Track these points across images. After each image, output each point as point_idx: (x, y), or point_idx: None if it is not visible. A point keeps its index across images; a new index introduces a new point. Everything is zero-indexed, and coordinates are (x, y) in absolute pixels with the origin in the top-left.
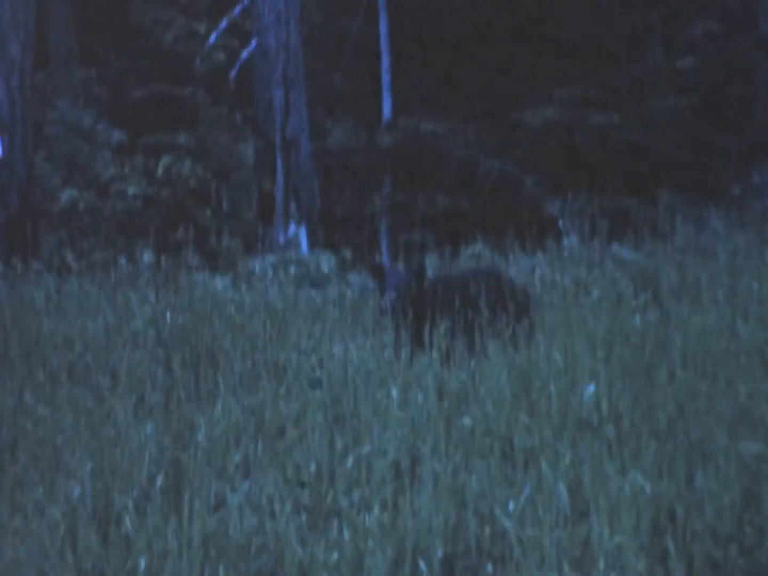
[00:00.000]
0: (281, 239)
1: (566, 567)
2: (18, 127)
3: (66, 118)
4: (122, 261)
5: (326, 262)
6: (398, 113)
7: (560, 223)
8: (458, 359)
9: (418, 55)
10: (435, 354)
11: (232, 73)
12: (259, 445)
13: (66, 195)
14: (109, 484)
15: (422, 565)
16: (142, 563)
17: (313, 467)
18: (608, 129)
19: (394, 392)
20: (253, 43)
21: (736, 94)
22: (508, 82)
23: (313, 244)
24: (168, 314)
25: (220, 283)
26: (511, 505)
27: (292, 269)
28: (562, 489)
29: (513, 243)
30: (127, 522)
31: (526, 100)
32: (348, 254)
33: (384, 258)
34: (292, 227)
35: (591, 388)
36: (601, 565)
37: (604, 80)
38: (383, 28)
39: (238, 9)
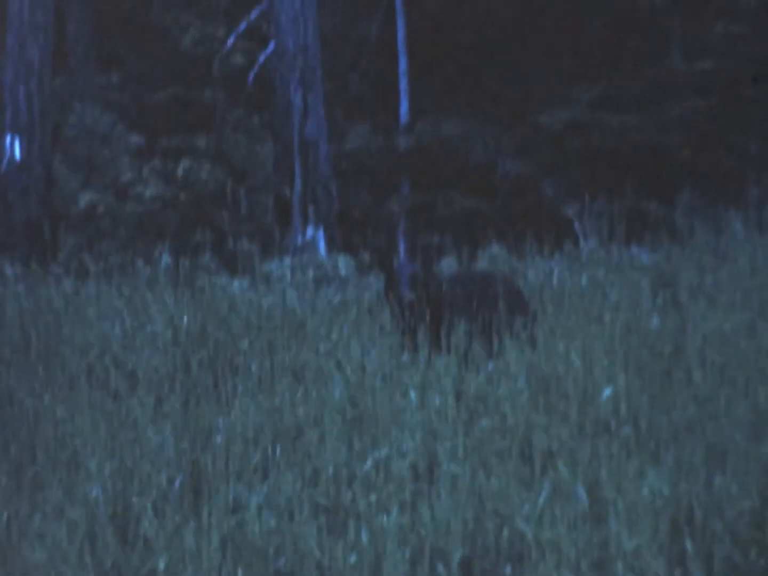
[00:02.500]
0: (299, 242)
1: (585, 568)
2: (36, 130)
3: (84, 121)
4: (140, 263)
5: (344, 265)
6: (416, 116)
7: (578, 225)
8: (476, 361)
9: (436, 58)
10: (453, 355)
11: (250, 76)
12: (278, 447)
13: (85, 198)
14: (128, 486)
15: (440, 567)
16: (161, 565)
17: (331, 469)
18: (626, 131)
19: (412, 394)
20: (271, 45)
21: (755, 95)
22: (525, 84)
23: (331, 246)
24: (186, 316)
25: (238, 285)
26: (529, 507)
27: (310, 272)
28: (581, 490)
29: (531, 245)
30: (146, 524)
31: (544, 103)
32: (366, 257)
33: (402, 259)
34: (310, 230)
35: (608, 390)
36: (620, 566)
37: (621, 82)
38: (400, 30)
39: (255, 12)
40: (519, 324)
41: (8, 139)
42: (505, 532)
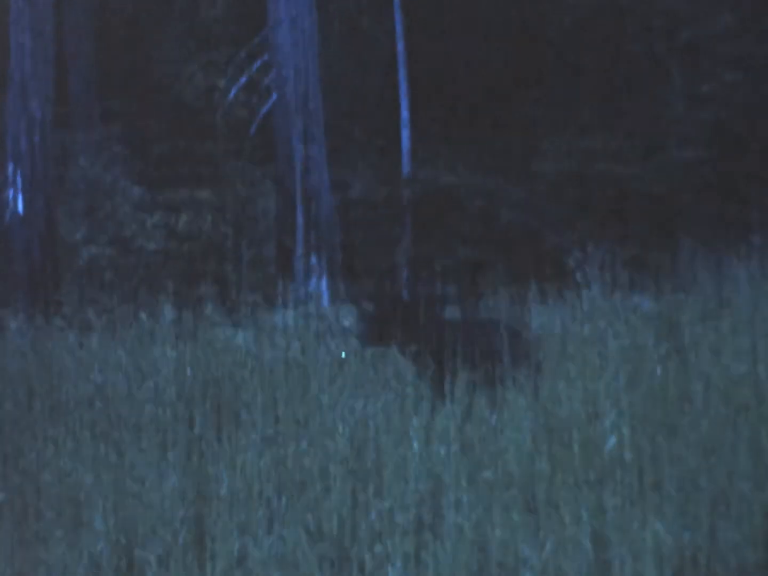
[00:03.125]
0: (302, 293)
1: None
2: (39, 183)
3: (86, 174)
4: (143, 316)
5: (348, 316)
6: (418, 166)
7: (580, 274)
8: (480, 411)
9: (438, 108)
10: (456, 406)
11: (252, 128)
12: (282, 500)
13: (87, 251)
14: (132, 540)
15: None
16: None
17: (335, 521)
18: (627, 180)
19: (416, 446)
20: (273, 97)
21: (757, 143)
22: (527, 134)
23: (334, 297)
24: (189, 369)
25: (241, 337)
26: (535, 558)
27: (314, 323)
28: (585, 541)
29: (533, 294)
30: None
31: (545, 152)
32: (370, 307)
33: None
34: (313, 281)
35: (613, 440)
36: None
37: (622, 131)
38: (402, 81)
39: (257, 64)
40: (523, 373)
41: (11, 193)
42: None
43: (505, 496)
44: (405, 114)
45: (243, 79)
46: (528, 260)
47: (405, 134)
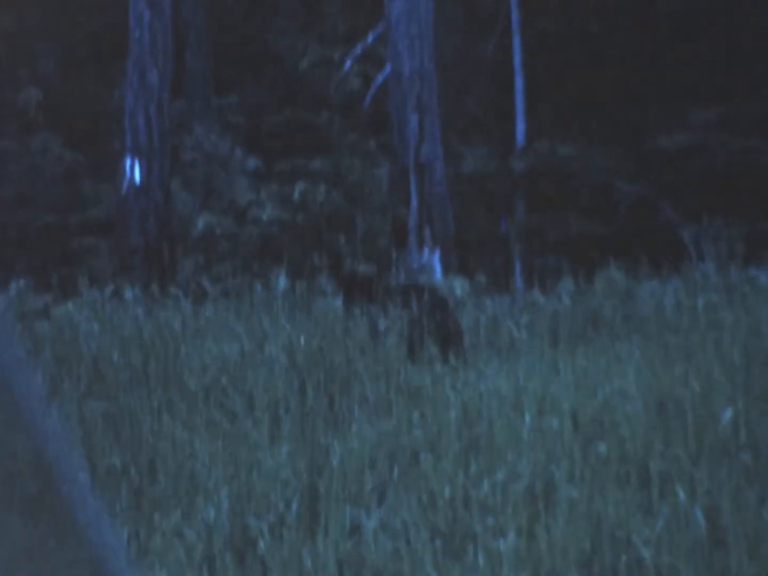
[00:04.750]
0: (415, 264)
1: None
2: (156, 153)
3: (203, 144)
4: (257, 286)
5: (460, 287)
6: (532, 137)
7: (695, 247)
8: (592, 379)
9: (552, 79)
10: (570, 377)
11: (367, 99)
12: (394, 470)
13: (203, 220)
14: (246, 508)
15: None
16: None
17: (447, 492)
18: (744, 152)
19: (528, 417)
20: (388, 68)
21: None
22: (643, 105)
23: (447, 268)
24: (302, 339)
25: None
26: (648, 532)
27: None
28: (700, 516)
29: (647, 267)
30: (263, 545)
31: (662, 125)
32: (482, 279)
33: (518, 282)
34: (426, 252)
35: (728, 414)
36: None
37: (739, 103)
38: (516, 51)
39: (372, 35)
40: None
41: (128, 162)
42: (624, 557)
43: (618, 470)
44: (519, 84)
45: (358, 50)
46: (643, 233)
47: (519, 105)
